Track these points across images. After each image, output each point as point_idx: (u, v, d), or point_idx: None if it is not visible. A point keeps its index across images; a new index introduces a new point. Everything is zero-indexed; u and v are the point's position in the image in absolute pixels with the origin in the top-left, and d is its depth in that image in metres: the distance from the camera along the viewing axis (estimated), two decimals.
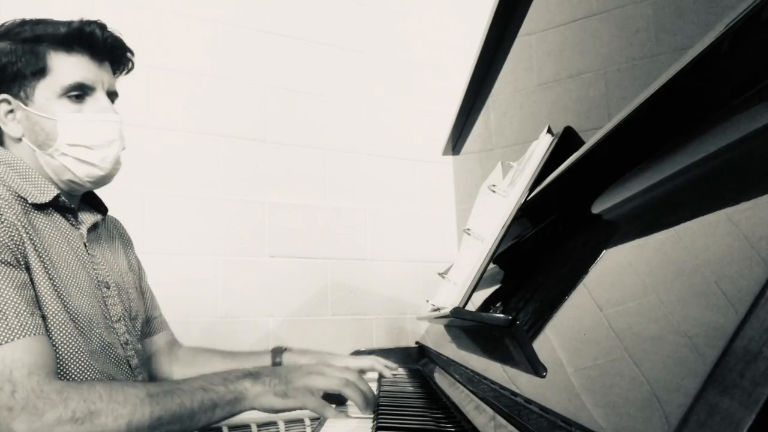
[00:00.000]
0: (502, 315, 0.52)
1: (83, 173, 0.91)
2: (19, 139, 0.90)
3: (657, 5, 0.58)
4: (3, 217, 0.79)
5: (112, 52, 0.96)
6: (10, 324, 0.73)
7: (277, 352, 1.15)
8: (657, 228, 0.46)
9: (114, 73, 0.98)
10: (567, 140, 0.77)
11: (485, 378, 0.64)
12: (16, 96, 0.89)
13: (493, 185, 0.86)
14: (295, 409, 0.83)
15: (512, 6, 1.07)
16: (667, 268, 0.40)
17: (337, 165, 2.06)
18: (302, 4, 2.08)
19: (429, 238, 2.15)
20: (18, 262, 0.79)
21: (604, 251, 0.53)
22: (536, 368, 0.48)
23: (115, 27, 0.96)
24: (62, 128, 0.89)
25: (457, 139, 1.69)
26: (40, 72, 0.88)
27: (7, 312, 0.74)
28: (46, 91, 0.88)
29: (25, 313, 0.76)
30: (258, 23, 1.99)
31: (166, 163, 1.78)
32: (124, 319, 0.97)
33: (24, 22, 0.91)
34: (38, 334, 0.76)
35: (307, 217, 1.98)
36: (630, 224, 0.54)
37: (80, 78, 0.90)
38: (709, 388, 0.27)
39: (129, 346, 0.96)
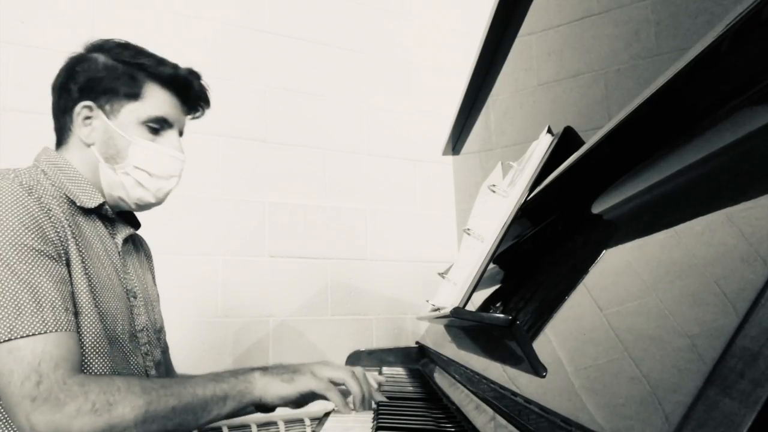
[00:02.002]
0: (502, 315, 0.52)
1: (136, 195, 0.97)
2: (88, 146, 0.95)
3: (657, 5, 0.58)
4: (51, 213, 0.83)
5: (196, 101, 1.04)
6: (45, 317, 0.76)
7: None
8: (657, 228, 0.46)
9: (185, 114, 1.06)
10: (567, 140, 0.77)
11: (485, 378, 0.64)
12: (101, 107, 0.94)
13: (493, 185, 0.86)
14: (300, 396, 0.86)
15: (512, 6, 1.07)
16: (667, 268, 0.40)
17: (337, 165, 2.06)
18: (302, 4, 2.08)
19: (429, 238, 2.15)
20: (60, 257, 0.82)
21: (604, 251, 0.53)
22: (536, 368, 0.48)
23: (206, 82, 1.05)
24: (134, 151, 0.94)
25: (457, 139, 1.69)
26: (133, 96, 0.94)
27: (44, 304, 0.76)
28: (131, 114, 0.94)
29: (60, 309, 0.78)
30: (258, 23, 1.99)
31: None
32: (147, 330, 0.99)
33: (128, 46, 0.98)
34: (70, 330, 0.79)
35: (307, 217, 1.98)
36: (630, 224, 0.54)
37: (165, 114, 0.97)
38: (709, 388, 0.27)
39: (149, 357, 0.98)
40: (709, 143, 0.45)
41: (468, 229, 0.89)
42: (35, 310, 0.75)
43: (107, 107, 0.93)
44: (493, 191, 0.86)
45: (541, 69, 0.94)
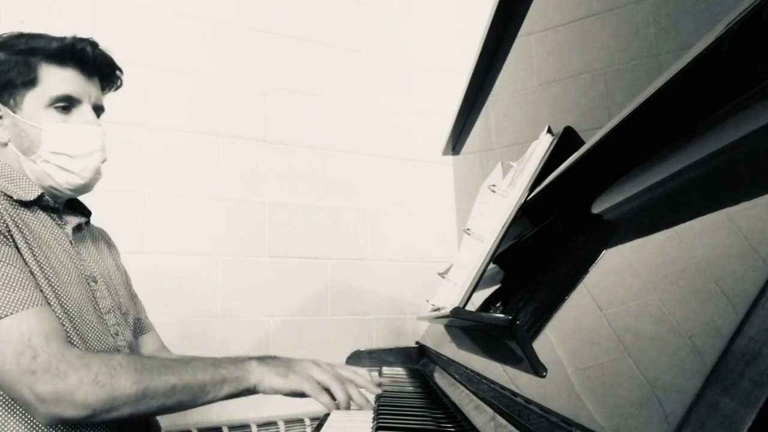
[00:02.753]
0: (502, 315, 0.52)
1: (63, 180, 0.95)
2: (5, 145, 0.95)
3: (657, 5, 0.58)
4: None
5: (101, 69, 1.00)
6: (17, 295, 0.77)
7: None
8: (657, 228, 0.46)
9: (103, 89, 1.02)
10: (567, 140, 0.77)
11: (485, 378, 0.64)
12: (5, 104, 0.93)
13: (493, 185, 0.86)
14: (291, 393, 0.89)
15: (512, 6, 1.07)
16: (667, 268, 0.40)
17: (337, 165, 2.06)
18: (302, 4, 2.08)
19: (429, 238, 2.15)
20: (8, 241, 0.83)
21: (604, 251, 0.53)
22: (536, 368, 0.48)
23: (105, 45, 1.01)
24: (46, 136, 0.92)
25: (457, 139, 1.69)
26: (31, 82, 0.92)
27: (14, 284, 0.78)
28: (34, 101, 0.92)
29: (30, 286, 0.80)
30: (258, 23, 1.99)
31: (166, 162, 1.78)
32: (114, 311, 0.99)
33: (21, 36, 0.95)
34: (44, 305, 0.80)
35: (307, 217, 1.98)
36: (630, 224, 0.54)
37: (67, 90, 0.94)
38: (709, 388, 0.27)
39: (120, 336, 0.98)
40: (709, 143, 0.45)
41: (468, 229, 0.89)
42: (8, 291, 0.77)
43: (11, 102, 0.93)
44: (493, 191, 0.86)
45: (541, 69, 0.94)
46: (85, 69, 0.96)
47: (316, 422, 0.86)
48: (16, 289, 0.77)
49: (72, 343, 0.84)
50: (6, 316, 0.75)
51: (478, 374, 0.69)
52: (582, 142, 0.74)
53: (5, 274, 0.78)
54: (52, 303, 0.84)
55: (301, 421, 1.73)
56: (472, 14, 2.10)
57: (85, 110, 0.96)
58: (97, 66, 0.99)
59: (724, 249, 0.35)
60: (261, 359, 0.90)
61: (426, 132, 2.18)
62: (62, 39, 0.95)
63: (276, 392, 0.88)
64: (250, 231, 1.88)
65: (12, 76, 0.92)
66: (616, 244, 0.53)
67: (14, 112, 0.93)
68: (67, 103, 0.94)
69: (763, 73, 0.40)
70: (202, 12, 1.90)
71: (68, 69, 0.94)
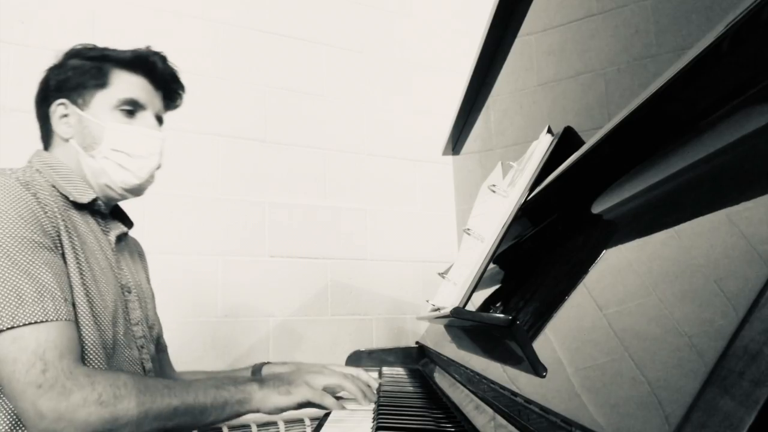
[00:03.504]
0: (502, 315, 0.52)
1: (119, 179, 0.98)
2: (67, 140, 0.98)
3: (657, 5, 0.58)
4: (47, 207, 0.85)
5: (167, 84, 1.06)
6: (45, 306, 0.77)
7: (257, 367, 1.18)
8: (657, 228, 0.46)
9: (165, 106, 1.08)
10: (567, 140, 0.77)
11: (485, 378, 0.64)
12: (74, 102, 0.97)
13: (493, 185, 0.86)
14: (297, 406, 0.89)
15: (512, 6, 1.07)
16: (667, 268, 0.40)
17: (337, 165, 2.06)
18: (302, 4, 2.08)
19: (429, 238, 2.15)
20: (57, 248, 0.84)
21: (604, 251, 0.53)
22: (536, 368, 0.48)
23: (174, 63, 1.07)
24: (108, 134, 0.96)
25: (457, 139, 1.69)
26: (102, 84, 0.97)
27: (45, 294, 0.78)
28: (102, 101, 0.97)
29: (60, 299, 0.80)
30: (258, 23, 1.99)
31: (166, 162, 1.77)
32: (142, 324, 1.00)
33: (94, 47, 1.02)
34: (70, 320, 0.80)
35: (307, 217, 1.98)
36: (630, 224, 0.54)
37: (135, 95, 0.99)
38: (709, 388, 0.27)
39: (144, 350, 0.99)
40: (709, 143, 0.45)
41: (468, 229, 0.89)
42: (37, 299, 0.77)
43: (79, 101, 0.97)
44: (493, 191, 0.86)
45: (541, 69, 0.94)
46: (154, 80, 1.02)
47: (316, 422, 0.86)
48: (46, 299, 0.77)
49: (94, 355, 0.85)
50: (28, 324, 0.75)
51: (478, 374, 0.68)
52: (582, 142, 0.74)
53: (40, 281, 0.78)
54: (83, 312, 0.84)
55: (301, 421, 1.73)
56: (472, 14, 2.10)
57: (147, 116, 1.00)
58: (165, 79, 1.04)
59: (724, 249, 0.35)
60: (261, 381, 0.91)
61: (426, 132, 2.18)
62: (136, 50, 1.01)
63: (281, 411, 0.89)
64: (250, 231, 1.88)
65: (84, 79, 0.97)
66: (616, 244, 0.53)
67: (81, 110, 0.97)
68: (132, 107, 0.98)
69: (763, 73, 0.40)
70: (202, 12, 1.90)
71: (138, 76, 1.00)
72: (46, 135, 1.00)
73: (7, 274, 0.76)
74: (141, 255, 1.17)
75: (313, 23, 2.09)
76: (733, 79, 0.43)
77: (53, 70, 0.99)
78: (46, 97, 0.99)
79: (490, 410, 0.61)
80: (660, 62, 0.57)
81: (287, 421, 1.72)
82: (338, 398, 0.94)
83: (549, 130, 0.84)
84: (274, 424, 1.70)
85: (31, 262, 0.78)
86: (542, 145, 0.81)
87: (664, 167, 0.51)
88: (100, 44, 1.03)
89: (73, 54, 1.00)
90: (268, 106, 1.97)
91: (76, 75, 0.97)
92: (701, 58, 0.42)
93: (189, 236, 1.78)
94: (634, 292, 0.43)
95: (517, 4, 1.05)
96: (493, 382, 0.60)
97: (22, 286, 0.76)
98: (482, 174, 1.30)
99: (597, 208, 0.65)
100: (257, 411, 0.88)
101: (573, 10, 0.80)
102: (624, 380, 0.36)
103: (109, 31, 1.73)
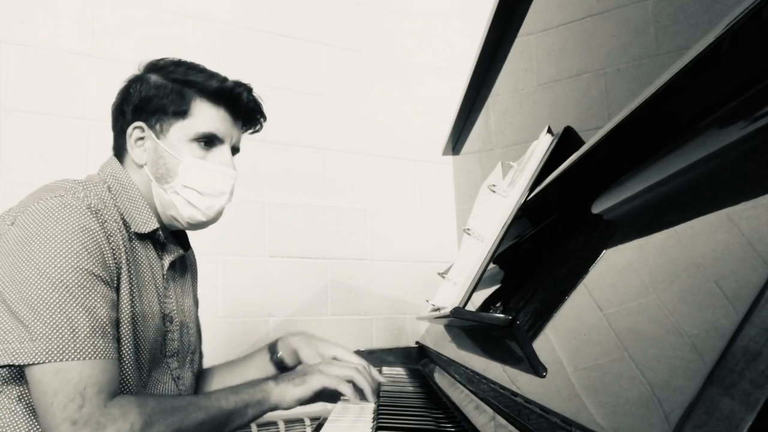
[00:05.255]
0: (502, 315, 0.52)
1: (187, 214, 0.96)
2: (141, 167, 0.96)
3: (657, 5, 0.58)
4: (111, 239, 0.83)
5: (249, 114, 1.03)
6: (96, 344, 0.77)
7: (272, 344, 1.18)
8: (657, 228, 0.46)
9: (243, 131, 1.05)
10: (567, 140, 0.77)
11: (485, 378, 0.64)
12: (151, 127, 0.94)
13: (493, 185, 0.86)
14: (314, 395, 0.91)
15: (512, 6, 1.07)
16: (667, 268, 0.40)
17: (337, 165, 2.06)
18: (302, 4, 2.08)
19: (429, 238, 2.15)
20: (113, 283, 0.83)
21: (604, 251, 0.53)
22: (536, 368, 0.48)
23: (258, 92, 1.03)
24: (183, 169, 0.94)
25: (457, 139, 1.69)
26: (182, 114, 0.94)
27: (97, 330, 0.77)
28: (180, 132, 0.94)
29: (111, 336, 0.80)
30: (258, 23, 1.99)
31: None
32: (178, 355, 0.99)
33: (180, 63, 0.98)
34: (114, 358, 0.80)
35: (307, 217, 1.98)
36: (630, 224, 0.54)
37: (214, 129, 0.95)
38: (709, 388, 0.27)
39: (181, 381, 0.98)
40: (709, 143, 0.45)
41: (468, 229, 0.89)
42: (89, 335, 0.76)
43: (157, 127, 0.94)
44: (493, 191, 0.86)
45: (541, 69, 0.94)
46: (235, 111, 0.98)
47: (316, 422, 0.86)
48: (98, 336, 0.77)
49: (130, 390, 0.85)
50: (75, 359, 0.75)
51: (478, 374, 0.68)
52: (582, 142, 0.74)
53: (95, 316, 0.77)
54: (127, 349, 0.84)
55: (301, 421, 1.73)
56: (472, 14, 2.11)
57: (224, 150, 0.97)
58: (247, 111, 1.01)
59: (724, 249, 0.35)
60: (277, 377, 0.93)
61: (426, 132, 2.18)
62: (223, 79, 0.97)
63: (300, 402, 0.90)
64: (250, 231, 1.88)
65: (165, 102, 0.93)
66: (616, 244, 0.53)
67: (158, 138, 0.94)
68: (210, 142, 0.95)
69: (763, 73, 0.40)
70: (202, 12, 1.90)
71: (220, 109, 0.96)
72: (120, 150, 0.98)
73: (63, 306, 0.75)
74: (193, 272, 1.16)
75: (313, 23, 2.09)
76: (733, 79, 0.43)
77: (134, 83, 0.96)
78: (123, 112, 0.96)
79: (490, 410, 0.61)
80: (660, 62, 0.57)
81: (287, 421, 1.72)
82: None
83: (549, 130, 0.84)
84: (274, 424, 1.70)
85: (88, 296, 0.77)
86: (542, 145, 0.81)
87: (664, 167, 0.51)
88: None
89: (155, 68, 0.97)
90: (268, 106, 1.97)
91: (157, 97, 0.93)
92: (701, 58, 0.42)
93: (189, 236, 1.77)
94: (634, 292, 0.43)
95: (517, 4, 1.05)
96: (493, 382, 0.60)
97: (77, 320, 0.75)
98: (482, 174, 1.30)
99: (597, 208, 0.65)
100: (277, 407, 0.90)
101: (573, 10, 0.80)
102: (624, 380, 0.36)
103: (109, 31, 1.73)
